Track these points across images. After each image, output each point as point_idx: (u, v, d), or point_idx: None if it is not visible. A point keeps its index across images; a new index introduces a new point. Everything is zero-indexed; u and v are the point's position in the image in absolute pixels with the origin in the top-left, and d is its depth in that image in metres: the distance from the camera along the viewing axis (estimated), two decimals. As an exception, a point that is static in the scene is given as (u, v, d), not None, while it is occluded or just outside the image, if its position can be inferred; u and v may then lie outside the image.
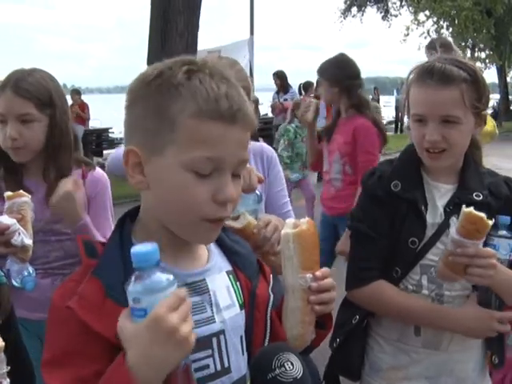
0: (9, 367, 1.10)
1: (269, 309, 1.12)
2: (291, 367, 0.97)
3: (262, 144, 1.88)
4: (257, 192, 1.66)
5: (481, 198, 1.59)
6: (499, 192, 1.63)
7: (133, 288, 0.82)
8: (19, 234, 1.64)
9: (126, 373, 0.82)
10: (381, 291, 1.63)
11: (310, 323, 1.14)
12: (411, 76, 1.62)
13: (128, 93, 1.03)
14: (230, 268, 1.12)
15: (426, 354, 1.66)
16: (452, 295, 1.62)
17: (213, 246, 1.13)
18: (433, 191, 1.64)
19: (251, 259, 1.17)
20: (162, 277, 0.83)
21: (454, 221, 1.47)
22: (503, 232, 1.52)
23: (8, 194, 1.73)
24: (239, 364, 1.07)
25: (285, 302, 1.15)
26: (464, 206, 1.43)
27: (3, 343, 1.06)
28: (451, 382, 1.67)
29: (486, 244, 1.49)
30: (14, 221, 1.65)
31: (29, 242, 1.68)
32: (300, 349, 1.14)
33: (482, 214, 1.38)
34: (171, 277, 0.84)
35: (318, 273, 1.12)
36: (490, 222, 1.39)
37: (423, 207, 1.60)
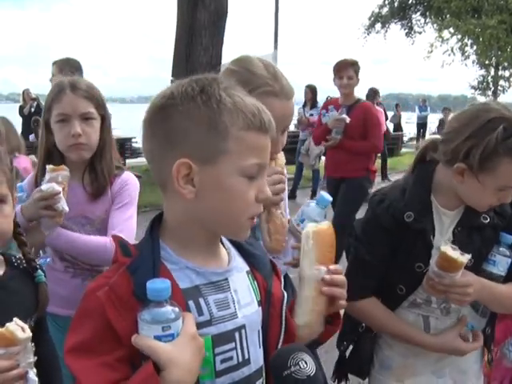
0: (36, 357, 1.15)
1: (284, 306, 1.21)
2: (305, 365, 1.05)
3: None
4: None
5: (488, 220, 1.65)
6: (504, 211, 1.69)
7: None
8: (62, 200, 1.83)
9: None
10: (367, 309, 1.77)
11: (319, 313, 1.24)
12: (503, 145, 1.50)
13: (161, 108, 1.07)
14: (248, 268, 1.21)
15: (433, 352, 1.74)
16: (457, 306, 1.70)
17: (232, 249, 1.21)
18: (442, 217, 1.69)
19: (265, 261, 1.27)
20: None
21: (439, 248, 1.55)
22: (504, 250, 1.63)
23: (51, 166, 1.88)
24: (257, 356, 1.17)
25: (299, 291, 1.26)
26: (443, 242, 1.57)
27: (30, 334, 1.10)
28: (455, 372, 1.78)
29: (487, 259, 1.64)
30: (61, 189, 1.83)
31: (67, 208, 1.86)
32: (308, 338, 1.24)
33: (456, 255, 1.48)
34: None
35: (331, 267, 1.23)
36: (465, 261, 1.49)
37: (432, 236, 1.65)
